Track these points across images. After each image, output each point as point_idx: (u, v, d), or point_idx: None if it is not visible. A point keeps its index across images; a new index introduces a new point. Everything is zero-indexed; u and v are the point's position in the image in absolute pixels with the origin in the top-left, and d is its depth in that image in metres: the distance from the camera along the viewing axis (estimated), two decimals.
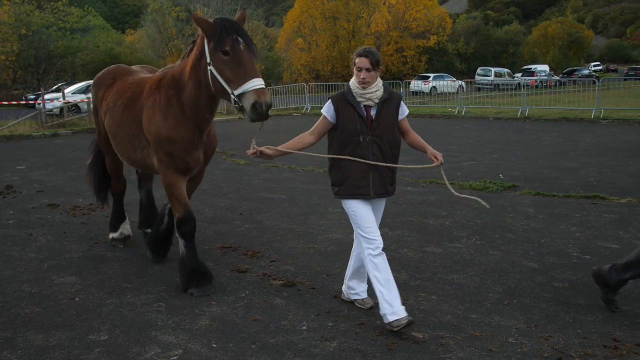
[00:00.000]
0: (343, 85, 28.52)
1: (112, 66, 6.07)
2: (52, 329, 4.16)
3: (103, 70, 6.08)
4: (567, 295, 4.58)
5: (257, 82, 4.20)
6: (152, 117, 4.88)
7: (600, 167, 10.51)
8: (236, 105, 4.33)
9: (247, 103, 4.22)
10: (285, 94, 28.70)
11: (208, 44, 4.33)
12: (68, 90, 26.82)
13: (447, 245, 5.97)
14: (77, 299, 4.74)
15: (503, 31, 75.25)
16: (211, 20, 4.38)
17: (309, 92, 28.12)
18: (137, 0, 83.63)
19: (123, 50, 44.41)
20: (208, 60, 4.33)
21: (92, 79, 27.43)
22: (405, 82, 28.99)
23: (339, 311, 4.40)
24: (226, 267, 5.46)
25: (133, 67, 6.16)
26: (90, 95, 23.85)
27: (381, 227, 6.66)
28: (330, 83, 31.40)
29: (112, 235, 6.34)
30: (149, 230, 6.09)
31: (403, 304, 3.99)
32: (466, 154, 12.35)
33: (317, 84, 31.33)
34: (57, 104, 23.86)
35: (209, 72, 4.35)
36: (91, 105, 6.12)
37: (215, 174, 10.74)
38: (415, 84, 37.70)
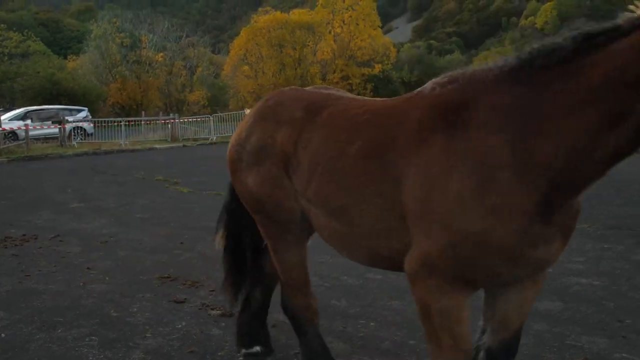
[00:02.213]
0: None
1: (287, 90, 3.64)
2: None
3: (271, 99, 3.56)
4: None
5: None
6: (445, 183, 2.48)
7: None
8: None
9: None
10: (231, 121, 28.63)
11: None
12: (5, 116, 26.04)
13: (387, 272, 6.00)
14: (3, 335, 4.55)
15: (445, 60, 77.50)
16: None
17: None
18: (81, 25, 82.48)
19: (65, 76, 43.53)
20: None
21: (31, 105, 26.52)
22: None
23: (277, 340, 4.35)
24: (164, 298, 5.35)
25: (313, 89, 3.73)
26: (28, 121, 23.50)
27: (321, 254, 6.71)
28: None
29: (244, 350, 4.07)
30: None
31: (342, 331, 3.99)
32: None
33: None
34: None
35: None
36: (242, 160, 3.51)
37: (157, 202, 10.59)
38: None
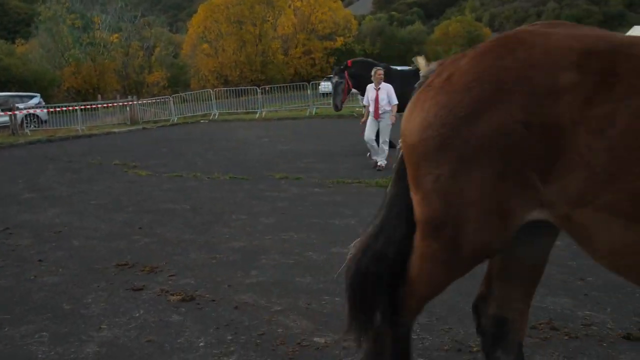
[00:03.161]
0: (252, 89, 28.38)
1: (528, 32, 2.29)
2: None
3: (510, 52, 2.20)
4: (467, 285, 4.57)
5: None
6: None
7: None
8: None
9: None
10: (193, 101, 28.11)
11: None
12: None
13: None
14: None
15: (407, 31, 77.42)
16: None
17: (216, 98, 27.67)
18: (28, 8, 79.86)
19: (14, 61, 42.16)
20: None
21: None
22: (313, 83, 29.04)
23: (239, 322, 4.19)
24: (120, 287, 5.13)
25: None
26: None
27: (285, 230, 6.56)
28: (239, 88, 31.01)
29: None
30: None
31: (306, 308, 3.85)
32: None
33: (225, 89, 30.89)
34: None
35: None
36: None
37: (114, 187, 10.27)
38: (324, 85, 37.91)
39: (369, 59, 12.97)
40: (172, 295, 4.83)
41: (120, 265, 5.74)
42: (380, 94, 10.44)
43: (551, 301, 4.22)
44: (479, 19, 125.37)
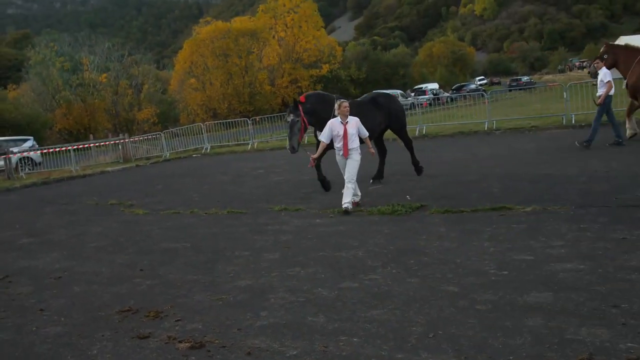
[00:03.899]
0: (243, 121, 28.28)
1: None
2: None
3: None
4: (492, 318, 4.36)
5: None
6: None
7: (501, 177, 10.67)
8: None
9: None
10: (184, 135, 27.96)
11: None
12: None
13: (363, 279, 5.66)
14: None
15: (391, 54, 77.99)
16: None
17: (207, 131, 27.53)
18: (18, 53, 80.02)
19: (7, 106, 41.98)
20: None
21: None
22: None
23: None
24: (126, 335, 4.87)
25: None
26: None
27: (291, 266, 6.34)
28: (229, 120, 30.91)
29: None
30: None
31: (324, 352, 3.61)
32: (370, 178, 12.22)
33: (215, 122, 30.78)
34: None
35: None
36: None
37: (113, 228, 10.02)
38: None
39: (322, 92, 11.20)
40: (180, 342, 4.58)
41: (123, 311, 5.49)
42: (349, 129, 9.09)
43: (587, 332, 3.91)
44: (461, 39, 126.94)
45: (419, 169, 11.96)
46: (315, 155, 9.62)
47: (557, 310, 4.33)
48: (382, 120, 11.16)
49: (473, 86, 60.72)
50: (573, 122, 18.57)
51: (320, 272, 6.04)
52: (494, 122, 20.75)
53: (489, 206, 8.21)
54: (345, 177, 9.15)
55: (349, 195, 9.03)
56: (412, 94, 50.49)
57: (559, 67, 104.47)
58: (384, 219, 8.33)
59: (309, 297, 5.28)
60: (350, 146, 9.10)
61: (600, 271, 5.07)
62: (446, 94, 49.29)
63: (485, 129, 20.31)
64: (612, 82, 12.79)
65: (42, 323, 5.40)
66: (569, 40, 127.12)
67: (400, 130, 12.02)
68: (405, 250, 6.50)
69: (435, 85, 60.08)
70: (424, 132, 21.86)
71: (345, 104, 9.26)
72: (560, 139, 14.11)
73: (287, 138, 10.29)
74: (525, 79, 70.64)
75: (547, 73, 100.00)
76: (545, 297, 4.61)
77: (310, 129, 11.01)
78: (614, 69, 13.41)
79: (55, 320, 5.43)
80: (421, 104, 31.30)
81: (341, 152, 9.25)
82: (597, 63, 13.22)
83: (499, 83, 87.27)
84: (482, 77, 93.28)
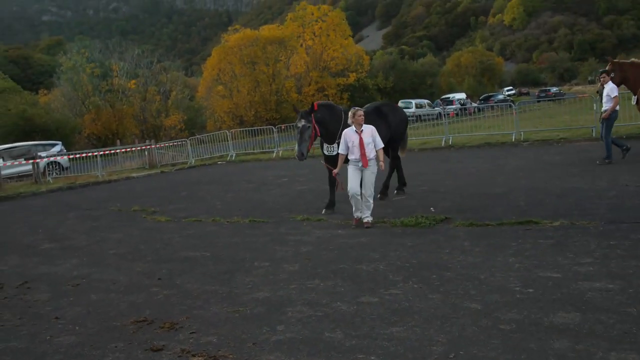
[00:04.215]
0: (268, 129, 28.31)
1: None
2: None
3: None
4: (516, 339, 4.17)
5: None
6: None
7: (528, 189, 10.41)
8: None
9: None
10: (209, 142, 28.05)
11: None
12: None
13: (383, 293, 5.50)
14: None
15: (419, 64, 77.64)
16: None
17: (232, 138, 27.58)
18: (51, 59, 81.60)
19: (37, 111, 42.67)
20: None
21: (4, 144, 25.61)
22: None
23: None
24: (139, 347, 4.78)
25: None
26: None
27: (311, 278, 6.20)
28: (255, 128, 30.98)
29: None
30: None
31: None
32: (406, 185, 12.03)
33: (241, 130, 30.85)
34: None
35: None
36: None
37: (133, 235, 10.00)
38: None
39: (332, 103, 10.63)
40: (194, 356, 4.47)
41: (139, 321, 5.41)
42: (365, 138, 8.64)
43: (616, 357, 3.70)
44: (490, 49, 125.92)
45: (383, 192, 11.18)
46: (337, 170, 9.18)
47: (585, 333, 4.12)
48: (387, 131, 10.62)
49: (501, 96, 60.08)
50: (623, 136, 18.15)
51: (340, 285, 5.90)
52: (522, 133, 20.40)
53: (515, 220, 7.99)
54: (364, 192, 8.67)
55: (368, 209, 8.76)
56: (441, 104, 50.14)
57: (589, 78, 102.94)
58: (407, 231, 8.16)
59: (327, 312, 5.13)
60: (368, 156, 8.63)
61: (631, 291, 4.83)
62: (474, 104, 48.82)
63: (513, 140, 19.96)
64: (619, 97, 12.65)
65: (56, 332, 5.35)
66: (600, 51, 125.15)
67: (396, 142, 11.28)
68: (428, 265, 6.33)
69: (462, 95, 59.63)
70: (450, 142, 21.60)
71: (360, 112, 8.82)
72: (590, 151, 13.77)
73: (296, 144, 9.73)
74: (554, 89, 69.69)
75: (577, 84, 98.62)
76: (573, 318, 4.40)
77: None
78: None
79: (69, 330, 5.37)
80: (448, 114, 31.03)
81: (360, 164, 8.67)
82: (604, 77, 13.02)
83: (527, 93, 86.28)
84: (511, 87, 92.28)
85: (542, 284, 5.30)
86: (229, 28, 65.42)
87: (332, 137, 9.71)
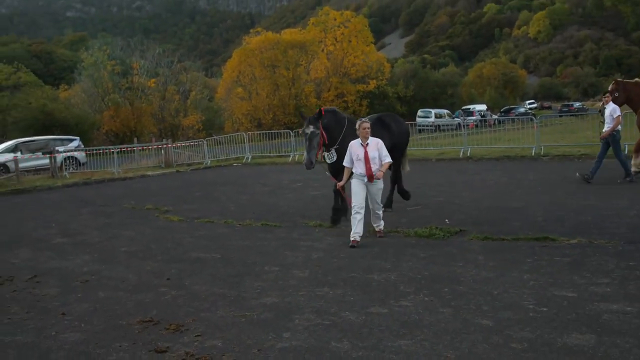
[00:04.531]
0: (285, 132, 28.34)
1: None
2: None
3: None
4: (528, 358, 4.08)
5: None
6: None
7: (546, 205, 10.28)
8: None
9: None
10: (226, 144, 28.13)
11: None
12: None
13: (393, 305, 5.43)
14: None
15: (440, 73, 77.44)
16: None
17: (249, 141, 27.64)
18: (73, 55, 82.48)
19: (57, 106, 43.09)
20: None
21: (23, 137, 25.93)
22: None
23: None
24: (144, 347, 4.76)
25: None
26: (18, 154, 23.02)
27: (320, 285, 6.15)
28: (272, 131, 31.02)
29: None
30: None
31: None
32: (410, 198, 11.95)
33: (259, 133, 30.90)
34: None
35: None
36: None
37: (145, 233, 10.02)
38: None
39: (337, 109, 10.09)
40: (198, 359, 4.43)
41: (145, 321, 5.39)
42: (370, 152, 8.24)
43: None
44: (513, 61, 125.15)
45: (387, 205, 10.64)
46: (342, 183, 8.66)
47: (600, 356, 4.02)
48: (389, 142, 9.93)
49: (522, 110, 59.66)
50: (626, 151, 17.92)
51: (349, 294, 5.83)
52: (542, 147, 20.21)
53: (531, 235, 7.88)
54: (371, 207, 8.46)
55: (379, 220, 8.65)
56: (462, 114, 49.98)
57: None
58: (420, 242, 8.07)
59: (335, 321, 5.08)
60: (374, 170, 8.22)
61: None
62: (494, 116, 48.55)
63: (533, 154, 19.77)
64: (621, 117, 12.56)
65: (62, 328, 5.34)
66: (626, 67, 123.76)
67: (399, 154, 10.68)
68: (440, 277, 6.24)
69: (483, 107, 59.34)
70: (468, 153, 21.45)
71: (366, 124, 8.37)
72: (611, 169, 13.57)
73: (305, 151, 9.20)
74: (577, 104, 69.08)
75: (600, 100, 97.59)
76: (588, 340, 4.30)
77: None
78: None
79: (75, 326, 5.36)
80: (467, 125, 30.83)
81: (365, 179, 8.24)
82: (607, 97, 12.89)
83: (549, 107, 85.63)
84: (533, 100, 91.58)
85: (556, 302, 5.20)
86: (251, 30, 65.75)
87: (333, 143, 9.30)
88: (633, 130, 15.19)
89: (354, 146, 8.35)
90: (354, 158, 8.30)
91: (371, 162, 8.21)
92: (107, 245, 9.14)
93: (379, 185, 8.43)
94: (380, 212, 8.62)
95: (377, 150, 8.32)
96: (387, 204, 10.72)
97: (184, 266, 7.48)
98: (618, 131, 12.66)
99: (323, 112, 9.27)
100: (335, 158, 9.25)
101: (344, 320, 5.09)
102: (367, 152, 8.23)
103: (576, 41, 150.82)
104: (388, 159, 8.40)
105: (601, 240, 7.42)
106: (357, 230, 8.08)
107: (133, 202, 14.23)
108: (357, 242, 8.03)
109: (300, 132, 9.40)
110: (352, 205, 8.20)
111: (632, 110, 13.75)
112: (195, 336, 4.94)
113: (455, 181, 14.77)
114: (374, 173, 8.22)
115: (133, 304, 5.97)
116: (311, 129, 9.02)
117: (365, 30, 62.35)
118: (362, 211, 8.11)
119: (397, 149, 10.52)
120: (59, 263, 8.11)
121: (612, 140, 12.61)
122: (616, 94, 12.96)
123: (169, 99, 52.85)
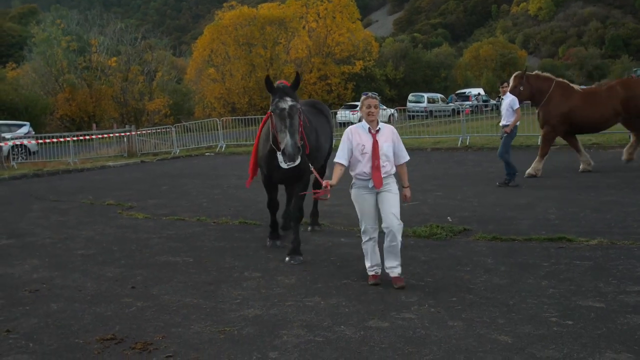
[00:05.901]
0: (262, 119, 27.90)
1: None
2: None
3: None
4: None
5: None
6: None
7: (559, 201, 10.13)
8: None
9: None
10: (197, 131, 27.76)
11: None
12: None
13: (394, 317, 5.19)
14: None
15: (433, 54, 77.36)
16: None
17: (223, 128, 27.29)
18: (23, 30, 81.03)
19: (4, 87, 42.29)
20: None
21: None
22: (331, 112, 28.62)
23: None
24: None
25: None
26: None
27: (310, 294, 5.89)
28: (248, 117, 30.68)
29: None
30: None
31: None
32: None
33: (233, 118, 30.56)
34: None
35: None
36: None
37: (106, 233, 9.70)
38: (343, 114, 37.49)
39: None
40: None
41: (105, 339, 5.08)
42: (382, 142, 6.18)
43: None
44: (512, 41, 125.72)
45: (314, 223, 9.26)
46: (333, 182, 6.16)
47: None
48: (330, 134, 9.22)
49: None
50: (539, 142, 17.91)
51: (344, 305, 5.59)
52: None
53: (545, 235, 7.72)
54: (385, 227, 6.12)
55: (396, 255, 6.18)
56: (457, 99, 50.01)
57: (624, 77, 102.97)
58: (419, 243, 7.87)
59: (329, 337, 4.82)
60: (384, 170, 6.13)
61: None
62: (492, 101, 48.60)
63: (539, 143, 19.66)
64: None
65: (5, 349, 5.01)
66: (635, 47, 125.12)
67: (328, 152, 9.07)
68: (446, 284, 6.03)
69: (479, 90, 59.42)
70: (467, 142, 21.32)
71: (374, 101, 6.24)
72: (619, 159, 13.54)
73: (286, 134, 6.81)
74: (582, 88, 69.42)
75: (607, 83, 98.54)
76: (623, 359, 4.10)
77: None
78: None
79: (22, 346, 5.04)
80: (463, 111, 30.69)
81: (371, 184, 6.17)
82: (505, 87, 12.76)
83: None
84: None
85: (582, 315, 5.00)
86: (224, 4, 65.06)
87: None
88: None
89: (358, 132, 6.27)
90: (355, 151, 6.22)
91: (380, 159, 6.12)
92: (60, 248, 8.80)
93: (394, 189, 6.25)
94: (398, 240, 6.14)
95: (393, 141, 6.25)
96: (314, 220, 9.29)
97: (151, 272, 7.19)
98: (516, 126, 12.46)
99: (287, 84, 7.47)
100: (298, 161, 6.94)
101: (339, 337, 4.84)
102: (377, 142, 6.15)
103: (580, 19, 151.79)
104: (407, 157, 6.41)
105: (625, 241, 7.27)
106: (373, 262, 6.34)
107: (91, 196, 13.89)
108: (378, 276, 6.30)
109: (272, 107, 7.16)
110: (361, 228, 6.42)
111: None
112: (166, 357, 4.65)
113: (454, 173, 14.64)
114: (383, 176, 6.14)
115: (91, 318, 5.66)
116: (289, 102, 7.05)
117: (351, 5, 62.01)
118: (376, 234, 6.34)
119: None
120: (4, 270, 7.73)
121: (507, 136, 12.30)
122: (521, 88, 13.05)
123: (132, 81, 52.13)
